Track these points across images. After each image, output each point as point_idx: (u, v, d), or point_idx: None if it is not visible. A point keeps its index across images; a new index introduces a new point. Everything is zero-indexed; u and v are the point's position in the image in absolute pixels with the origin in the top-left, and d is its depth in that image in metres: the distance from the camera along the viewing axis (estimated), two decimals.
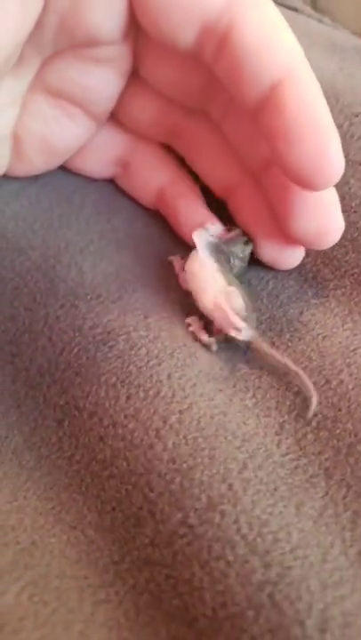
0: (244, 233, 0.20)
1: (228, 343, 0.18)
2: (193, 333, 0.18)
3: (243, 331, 0.17)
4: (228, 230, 0.20)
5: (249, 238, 0.20)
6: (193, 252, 0.19)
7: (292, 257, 0.20)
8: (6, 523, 0.16)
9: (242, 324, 0.17)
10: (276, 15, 0.16)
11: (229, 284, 0.18)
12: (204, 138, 0.21)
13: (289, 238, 0.18)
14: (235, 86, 0.17)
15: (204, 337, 0.18)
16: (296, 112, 0.16)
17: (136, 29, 0.18)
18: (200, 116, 0.20)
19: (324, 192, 0.17)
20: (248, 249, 0.19)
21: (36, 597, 0.14)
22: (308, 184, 0.16)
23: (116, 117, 0.21)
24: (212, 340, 0.18)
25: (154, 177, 0.21)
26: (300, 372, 0.17)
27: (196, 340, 0.18)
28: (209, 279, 0.18)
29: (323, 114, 0.16)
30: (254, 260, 0.20)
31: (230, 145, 0.20)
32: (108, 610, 0.14)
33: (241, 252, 0.19)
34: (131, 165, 0.22)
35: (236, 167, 0.20)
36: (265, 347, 0.17)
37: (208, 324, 0.18)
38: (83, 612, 0.14)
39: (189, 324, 0.18)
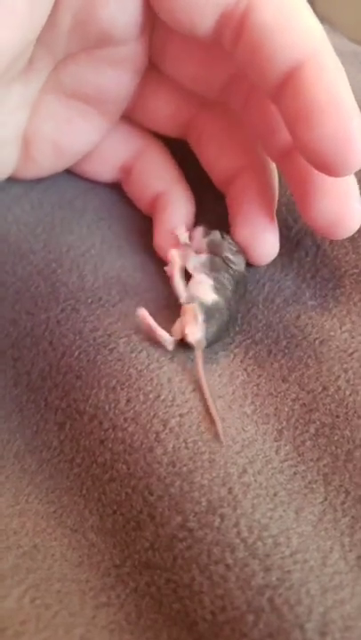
0: (226, 234, 0.20)
1: (183, 344, 0.18)
2: (148, 327, 0.18)
3: (193, 333, 0.17)
4: (206, 234, 0.20)
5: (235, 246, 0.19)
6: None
7: (263, 246, 0.19)
8: (8, 526, 0.16)
9: (163, 337, 0.17)
10: None
11: (217, 293, 0.18)
12: (213, 129, 0.20)
13: (310, 224, 0.18)
14: (254, 70, 0.16)
15: (161, 332, 0.18)
16: (317, 94, 0.15)
17: (151, 27, 0.18)
18: (213, 107, 0.20)
19: (344, 179, 0.17)
20: (240, 257, 0.19)
21: (38, 601, 0.14)
22: (329, 169, 0.16)
23: (131, 115, 0.21)
24: (171, 339, 0.18)
25: (151, 184, 0.21)
26: (211, 404, 0.16)
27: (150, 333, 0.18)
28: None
29: (345, 96, 0.15)
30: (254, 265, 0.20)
31: (242, 136, 0.20)
32: (110, 613, 0.14)
33: (235, 260, 0.19)
34: (132, 171, 0.22)
35: (239, 158, 0.20)
36: (199, 363, 0.17)
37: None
38: (84, 615, 0.14)
39: (144, 317, 0.18)
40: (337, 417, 0.17)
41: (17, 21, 0.15)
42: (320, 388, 0.17)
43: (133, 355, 0.17)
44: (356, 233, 0.20)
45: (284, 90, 0.16)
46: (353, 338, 0.18)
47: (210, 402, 0.16)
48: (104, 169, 0.22)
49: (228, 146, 0.20)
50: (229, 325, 0.18)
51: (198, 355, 0.17)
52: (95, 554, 0.15)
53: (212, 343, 0.18)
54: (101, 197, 0.22)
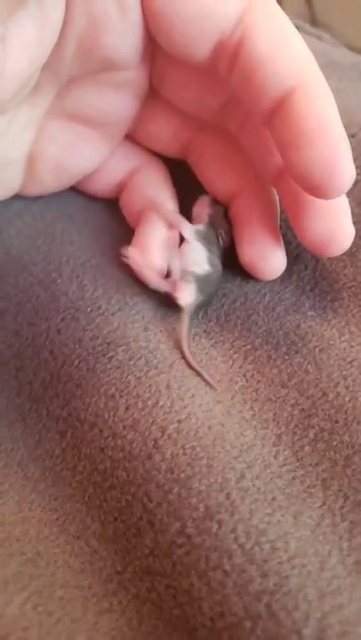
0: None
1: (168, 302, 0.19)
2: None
3: (184, 298, 0.18)
4: (211, 206, 0.21)
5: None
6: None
7: (270, 264, 0.20)
8: (12, 534, 0.16)
9: (154, 281, 0.19)
10: (288, 25, 0.17)
11: (210, 265, 0.19)
12: (212, 150, 0.21)
13: (304, 243, 0.19)
14: (248, 96, 0.17)
15: (150, 273, 0.19)
16: (306, 120, 0.16)
17: (152, 53, 0.19)
18: (212, 129, 0.21)
19: (336, 200, 0.18)
20: (227, 239, 0.20)
21: (41, 607, 0.15)
22: (317, 192, 0.16)
23: (131, 136, 0.22)
24: (161, 285, 0.19)
25: (139, 200, 0.21)
26: (190, 360, 0.18)
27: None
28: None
29: (333, 122, 0.16)
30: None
31: (241, 156, 0.20)
32: (112, 619, 0.15)
33: (225, 239, 0.20)
34: (125, 187, 0.22)
35: (239, 178, 0.20)
36: (184, 327, 0.18)
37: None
38: (87, 621, 0.15)
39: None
40: (336, 422, 0.17)
41: (28, 49, 0.16)
42: (319, 394, 0.17)
43: (132, 362, 0.18)
44: (354, 248, 0.20)
45: (276, 115, 0.17)
46: (352, 347, 0.18)
47: (190, 358, 0.18)
48: (102, 186, 0.23)
49: (228, 166, 0.21)
50: (213, 298, 0.20)
51: (185, 318, 0.18)
52: (97, 560, 0.16)
53: (197, 310, 0.19)
54: (103, 211, 0.23)
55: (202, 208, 0.21)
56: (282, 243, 0.20)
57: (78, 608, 0.15)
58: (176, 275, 0.19)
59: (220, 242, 0.20)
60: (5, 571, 0.15)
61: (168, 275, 0.20)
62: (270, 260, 0.20)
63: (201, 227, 0.20)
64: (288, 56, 0.16)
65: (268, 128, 0.17)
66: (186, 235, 0.20)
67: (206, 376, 0.17)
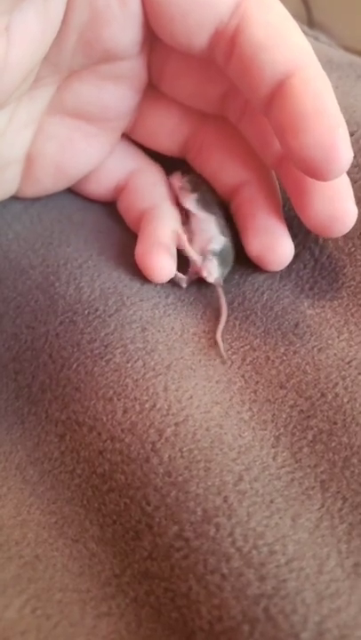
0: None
1: (198, 283, 0.20)
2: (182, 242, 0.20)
3: (212, 274, 0.20)
4: (184, 175, 0.22)
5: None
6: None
7: (279, 254, 0.20)
8: (10, 537, 0.16)
9: (195, 258, 0.20)
10: (283, 13, 0.17)
11: (221, 233, 0.20)
12: (213, 143, 0.21)
13: (308, 225, 0.19)
14: (246, 84, 0.17)
15: (190, 249, 0.20)
16: (303, 104, 0.16)
17: (151, 45, 0.19)
18: (211, 122, 0.21)
19: (337, 180, 0.18)
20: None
21: (39, 611, 0.15)
22: (316, 174, 0.16)
23: (131, 135, 0.22)
24: (185, 277, 0.20)
25: (139, 202, 0.22)
26: (219, 342, 0.19)
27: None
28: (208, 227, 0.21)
29: (330, 105, 0.16)
30: (249, 270, 0.20)
31: (242, 148, 0.20)
32: (110, 623, 0.15)
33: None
34: (123, 190, 0.22)
35: (241, 169, 0.21)
36: (222, 298, 0.20)
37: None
38: (85, 625, 0.14)
39: (180, 235, 0.20)
40: (335, 424, 0.16)
41: (31, 39, 0.16)
42: (318, 395, 0.17)
43: (129, 364, 0.18)
44: (353, 247, 0.20)
45: (273, 102, 0.17)
46: (351, 347, 0.18)
47: (220, 331, 0.19)
48: (99, 189, 0.23)
49: (229, 159, 0.21)
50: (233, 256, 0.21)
51: (219, 290, 0.20)
52: (96, 564, 0.16)
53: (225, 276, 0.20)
54: (100, 212, 0.23)
55: (177, 182, 0.22)
56: (287, 231, 0.20)
57: (77, 612, 0.15)
58: (195, 255, 0.20)
59: (215, 198, 0.21)
60: (4, 574, 0.15)
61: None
62: (278, 249, 0.20)
63: (195, 195, 0.21)
64: (284, 43, 0.16)
65: (266, 116, 0.17)
66: (189, 206, 0.21)
67: (222, 349, 0.18)
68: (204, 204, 0.21)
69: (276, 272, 0.20)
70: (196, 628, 0.14)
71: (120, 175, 0.22)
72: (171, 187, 0.22)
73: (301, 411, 0.17)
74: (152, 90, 0.20)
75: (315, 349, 0.18)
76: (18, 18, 0.16)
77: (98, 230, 0.22)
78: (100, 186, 0.22)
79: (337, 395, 0.17)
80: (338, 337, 0.18)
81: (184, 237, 0.20)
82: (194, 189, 0.21)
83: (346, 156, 0.16)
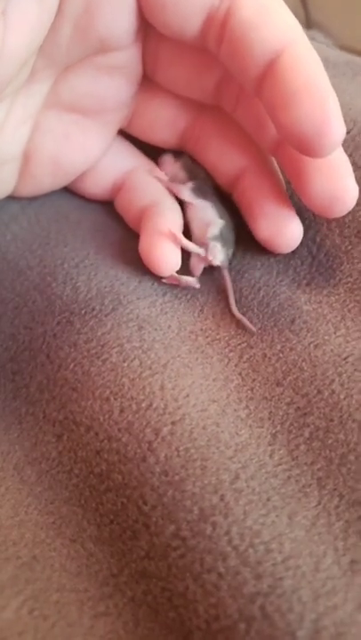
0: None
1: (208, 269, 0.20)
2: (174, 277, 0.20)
3: (217, 257, 0.20)
4: (176, 158, 0.22)
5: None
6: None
7: (288, 236, 0.20)
8: (8, 538, 0.16)
9: (198, 250, 0.20)
10: None
11: (220, 217, 0.20)
12: (211, 134, 0.21)
13: (309, 205, 0.19)
14: (237, 66, 0.17)
15: (188, 278, 0.20)
16: (293, 79, 0.16)
17: (145, 34, 0.19)
18: (207, 112, 0.21)
19: (334, 158, 0.18)
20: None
21: (36, 612, 0.15)
22: (310, 150, 0.16)
23: (128, 129, 0.22)
24: (193, 278, 0.20)
25: (138, 200, 0.21)
26: (241, 318, 0.19)
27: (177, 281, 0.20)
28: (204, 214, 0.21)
29: (320, 79, 0.16)
30: (246, 267, 0.20)
31: (240, 135, 0.20)
32: (108, 622, 0.15)
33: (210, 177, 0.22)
34: (121, 189, 0.22)
35: (241, 157, 0.21)
36: (227, 278, 0.20)
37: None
38: (82, 625, 0.14)
39: (174, 235, 0.20)
40: (331, 421, 0.16)
41: (28, 25, 0.16)
42: (315, 392, 0.17)
43: (126, 364, 0.18)
44: (350, 245, 0.20)
45: (264, 81, 0.17)
46: (347, 343, 0.18)
47: (234, 308, 0.19)
48: (96, 187, 0.23)
49: (228, 147, 0.21)
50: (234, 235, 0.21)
51: (225, 272, 0.20)
52: (93, 563, 0.16)
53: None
54: (98, 210, 0.23)
55: (168, 165, 0.22)
56: (294, 212, 0.20)
57: (74, 612, 0.15)
58: (197, 249, 0.20)
59: (209, 184, 0.21)
60: (1, 575, 0.15)
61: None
62: (287, 232, 0.20)
63: (190, 184, 0.21)
64: (273, 22, 0.16)
65: (258, 97, 0.17)
66: (185, 197, 0.21)
67: (247, 322, 0.19)
68: (200, 191, 0.21)
69: (273, 268, 0.20)
70: (194, 626, 0.14)
71: (117, 174, 0.22)
72: (160, 168, 0.22)
73: (298, 408, 0.17)
74: (148, 83, 0.21)
75: (311, 346, 0.18)
76: (14, 2, 0.16)
77: (95, 229, 0.22)
78: (97, 185, 0.22)
79: (333, 391, 0.17)
80: (335, 333, 0.18)
81: (181, 236, 0.20)
82: (189, 177, 0.21)
83: (338, 129, 0.16)
